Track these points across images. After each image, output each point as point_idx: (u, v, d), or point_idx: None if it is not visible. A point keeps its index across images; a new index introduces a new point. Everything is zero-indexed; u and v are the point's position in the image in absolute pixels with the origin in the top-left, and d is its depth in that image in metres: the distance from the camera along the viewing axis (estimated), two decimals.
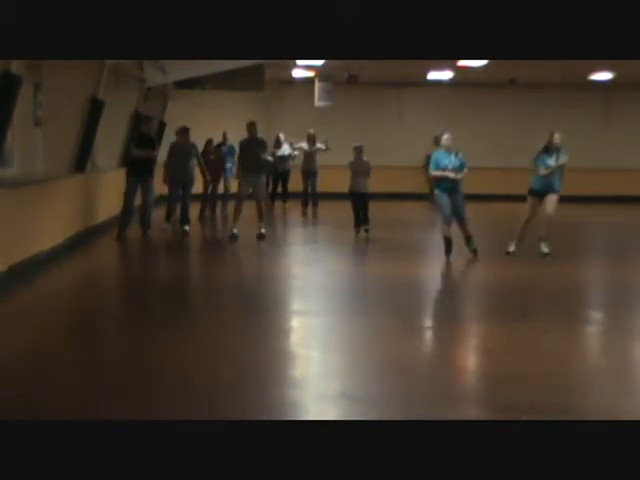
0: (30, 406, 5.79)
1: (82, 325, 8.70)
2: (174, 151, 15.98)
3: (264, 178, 15.40)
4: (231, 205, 16.67)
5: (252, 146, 14.67)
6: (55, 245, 12.41)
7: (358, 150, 16.04)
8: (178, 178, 15.91)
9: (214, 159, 18.75)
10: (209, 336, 8.02)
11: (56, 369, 6.78)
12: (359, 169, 15.86)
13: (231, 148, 20.02)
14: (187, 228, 15.76)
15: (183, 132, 16.28)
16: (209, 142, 19.04)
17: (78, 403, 5.90)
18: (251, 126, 14.98)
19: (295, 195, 21.21)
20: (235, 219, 14.80)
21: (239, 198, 14.87)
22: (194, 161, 16.30)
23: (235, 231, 14.70)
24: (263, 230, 14.82)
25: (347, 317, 8.94)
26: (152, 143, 15.63)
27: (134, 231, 15.23)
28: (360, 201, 15.80)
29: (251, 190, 14.77)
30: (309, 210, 20.60)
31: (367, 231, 15.66)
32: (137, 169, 15.16)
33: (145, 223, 15.29)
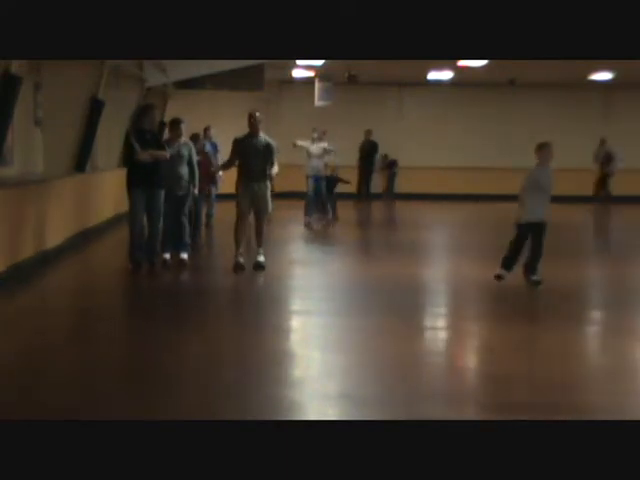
0: (30, 406, 5.78)
1: (82, 325, 8.70)
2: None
3: (269, 187, 11.47)
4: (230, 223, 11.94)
5: (254, 145, 11.26)
6: (55, 245, 12.40)
7: (544, 153, 10.26)
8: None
9: (200, 160, 13.13)
10: (209, 336, 8.02)
11: (56, 369, 6.78)
12: (545, 188, 10.25)
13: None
14: (185, 256, 11.80)
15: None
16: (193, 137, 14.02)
17: (78, 403, 5.90)
18: (253, 119, 11.31)
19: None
20: (238, 243, 11.33)
21: (241, 216, 11.39)
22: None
23: (241, 260, 11.24)
24: (262, 258, 11.38)
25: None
26: (157, 141, 11.50)
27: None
28: (535, 234, 10.25)
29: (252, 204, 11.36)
30: (313, 220, 17.53)
31: (537, 284, 10.23)
32: (144, 178, 11.05)
33: (151, 250, 11.46)
